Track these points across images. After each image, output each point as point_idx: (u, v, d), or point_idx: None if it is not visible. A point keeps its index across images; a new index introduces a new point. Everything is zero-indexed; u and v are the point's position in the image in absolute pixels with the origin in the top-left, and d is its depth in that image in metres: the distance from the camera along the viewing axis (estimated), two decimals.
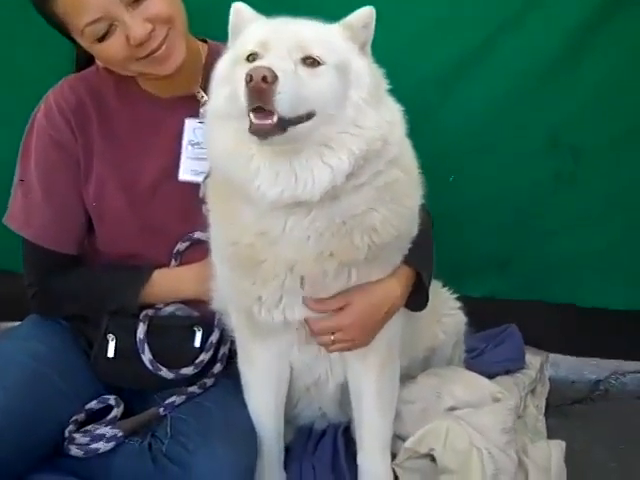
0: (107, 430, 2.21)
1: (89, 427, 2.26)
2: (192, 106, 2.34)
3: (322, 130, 1.87)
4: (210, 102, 2.03)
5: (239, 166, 1.92)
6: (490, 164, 2.90)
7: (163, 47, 2.18)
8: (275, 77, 1.73)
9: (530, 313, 3.03)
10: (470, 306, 2.69)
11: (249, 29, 1.99)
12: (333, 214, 1.95)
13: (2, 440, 2.06)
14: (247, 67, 1.79)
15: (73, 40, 2.25)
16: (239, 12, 2.04)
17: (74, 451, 2.20)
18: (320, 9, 2.52)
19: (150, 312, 2.34)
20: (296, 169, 1.88)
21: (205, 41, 2.44)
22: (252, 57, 1.88)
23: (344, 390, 2.32)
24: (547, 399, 2.86)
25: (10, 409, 2.11)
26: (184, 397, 2.29)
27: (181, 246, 2.35)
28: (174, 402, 2.28)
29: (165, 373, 2.30)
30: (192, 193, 2.33)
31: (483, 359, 2.83)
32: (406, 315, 2.26)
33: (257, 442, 2.24)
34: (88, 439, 2.20)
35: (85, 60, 2.39)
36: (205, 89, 2.31)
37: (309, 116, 1.83)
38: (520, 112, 2.84)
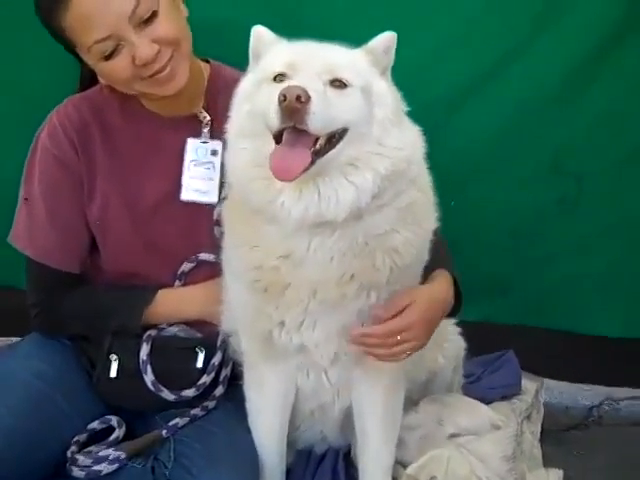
0: (110, 452, 2.20)
1: (91, 448, 2.26)
2: (194, 126, 2.36)
3: (347, 150, 1.89)
4: (231, 121, 2.05)
5: (261, 185, 1.93)
6: (492, 188, 2.93)
7: (167, 68, 2.19)
8: (308, 97, 1.76)
9: (526, 338, 3.05)
10: (466, 330, 2.70)
11: (273, 51, 2.03)
12: (356, 234, 1.97)
13: (3, 460, 2.06)
14: (275, 87, 1.84)
15: (78, 56, 2.26)
16: (260, 35, 2.07)
17: (76, 472, 2.19)
18: (331, 29, 2.60)
19: (153, 333, 2.34)
20: (319, 187, 1.90)
21: (207, 61, 2.45)
22: (279, 78, 1.91)
23: (347, 414, 2.33)
24: (542, 425, 2.87)
25: (12, 429, 2.11)
26: (187, 419, 2.29)
27: (186, 267, 2.36)
28: (177, 424, 2.27)
29: (166, 394, 2.31)
30: (195, 212, 2.35)
31: (480, 385, 2.84)
32: None
33: (260, 465, 2.25)
34: (91, 461, 2.19)
35: (89, 79, 2.40)
36: (207, 109, 2.36)
37: (341, 135, 1.87)
38: (524, 137, 2.87)
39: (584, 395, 3.09)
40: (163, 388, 2.30)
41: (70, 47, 2.23)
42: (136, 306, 2.32)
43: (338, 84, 1.89)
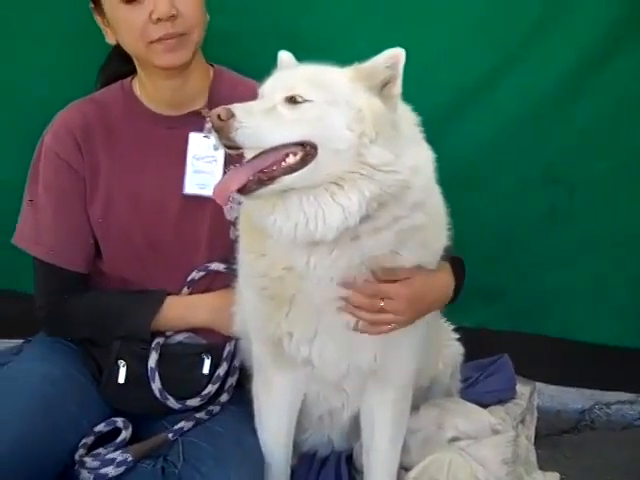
0: (117, 455, 2.23)
1: (99, 450, 2.28)
2: (196, 122, 2.40)
3: (331, 168, 1.89)
4: None
5: (258, 202, 1.97)
6: (486, 197, 2.99)
7: (174, 40, 2.24)
8: (231, 114, 1.81)
9: (519, 344, 3.11)
10: (462, 335, 2.74)
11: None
12: (353, 254, 1.98)
13: (13, 465, 2.08)
14: None
15: (95, 2, 2.31)
16: (280, 60, 2.12)
17: (84, 475, 2.22)
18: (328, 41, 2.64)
19: (161, 340, 2.37)
20: (304, 206, 1.91)
21: (211, 65, 2.50)
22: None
23: (354, 421, 2.37)
24: (535, 429, 2.91)
25: (23, 435, 2.13)
26: (192, 423, 2.32)
27: (196, 275, 2.39)
28: (182, 428, 2.30)
29: (172, 403, 2.34)
30: (196, 208, 2.38)
31: (475, 389, 2.87)
32: (422, 345, 2.30)
33: (266, 466, 2.29)
34: (98, 463, 2.22)
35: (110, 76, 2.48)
36: (211, 108, 2.37)
37: (310, 156, 1.87)
38: (516, 148, 2.92)
39: (575, 399, 3.14)
40: (169, 396, 2.34)
41: None
42: (145, 311, 2.35)
43: (293, 100, 1.90)
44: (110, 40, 2.35)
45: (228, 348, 2.40)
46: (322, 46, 2.73)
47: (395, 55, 1.96)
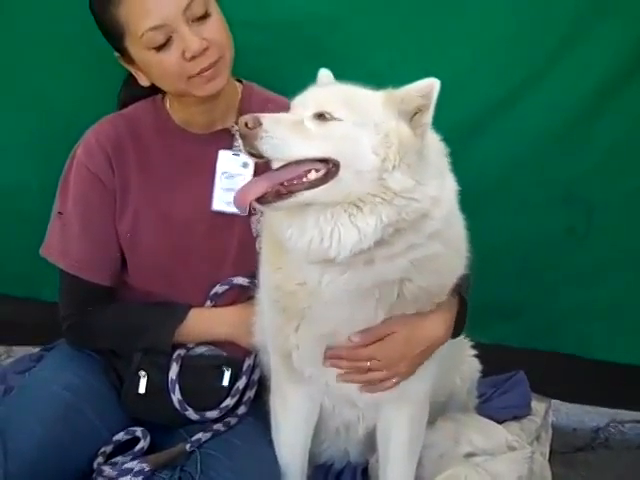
0: (135, 464, 2.24)
1: (117, 459, 2.30)
2: (226, 139, 2.42)
3: (352, 188, 1.90)
4: None
5: (277, 215, 2.00)
6: (504, 215, 2.98)
7: (211, 70, 2.26)
8: (259, 123, 1.83)
9: (535, 361, 3.11)
10: (478, 352, 2.75)
11: None
12: (365, 278, 1.97)
13: (35, 473, 2.12)
14: None
15: (123, 54, 2.33)
16: (319, 77, 2.14)
17: None
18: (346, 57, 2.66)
19: (182, 352, 2.39)
20: (321, 223, 1.92)
21: (240, 81, 2.52)
22: None
23: (371, 434, 2.38)
24: (550, 446, 2.92)
25: (45, 442, 2.17)
26: (210, 434, 2.34)
27: (220, 289, 2.41)
28: (200, 439, 2.32)
29: (191, 414, 2.37)
30: (224, 226, 2.40)
31: (491, 405, 2.87)
32: (440, 364, 2.29)
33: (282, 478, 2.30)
34: (116, 473, 2.23)
35: (128, 99, 2.48)
36: None
37: (331, 174, 1.88)
38: (536, 166, 2.93)
39: (590, 417, 3.14)
40: (188, 408, 2.36)
41: (119, 39, 2.29)
42: (168, 323, 2.37)
43: (322, 117, 1.91)
44: (144, 83, 2.37)
45: (248, 362, 2.42)
46: (347, 63, 2.75)
47: (430, 85, 1.96)
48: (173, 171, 2.43)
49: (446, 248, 2.02)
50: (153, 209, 2.41)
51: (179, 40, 2.21)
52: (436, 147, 2.04)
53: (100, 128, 2.43)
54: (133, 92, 2.46)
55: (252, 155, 1.88)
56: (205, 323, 2.41)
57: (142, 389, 2.38)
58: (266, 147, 1.85)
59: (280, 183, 1.89)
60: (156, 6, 2.20)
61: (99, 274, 2.43)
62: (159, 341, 2.37)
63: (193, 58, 2.22)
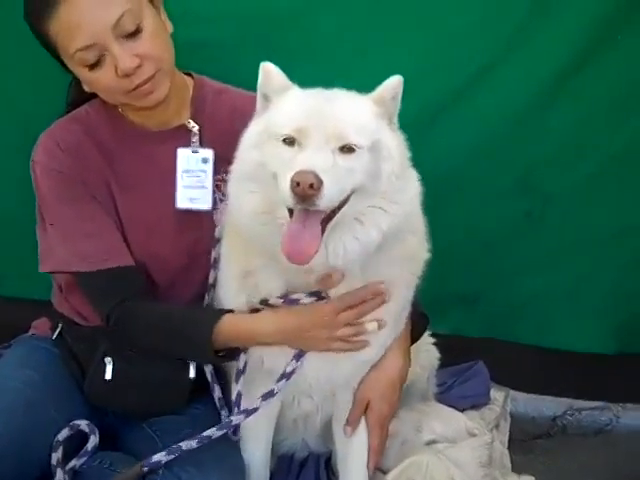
0: None
1: (72, 463, 2.26)
2: (183, 136, 2.39)
3: (354, 205, 1.91)
4: (237, 165, 2.06)
5: (269, 230, 1.97)
6: (460, 204, 3.01)
7: (148, 84, 2.22)
8: (321, 183, 1.77)
9: (493, 351, 3.14)
10: (436, 342, 2.78)
11: (282, 104, 2.00)
12: (355, 279, 2.05)
13: None
14: (285, 150, 1.89)
15: (66, 67, 2.28)
16: (268, 74, 2.04)
17: None
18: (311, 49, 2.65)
19: None
20: (326, 240, 1.91)
21: (190, 75, 2.49)
22: (289, 140, 1.90)
23: (328, 425, 2.40)
24: (509, 434, 2.94)
25: (6, 432, 2.14)
26: (172, 456, 2.17)
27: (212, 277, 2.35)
28: (160, 462, 2.17)
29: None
30: (190, 221, 2.38)
31: (451, 394, 2.91)
32: None
33: (246, 472, 2.30)
34: None
35: (77, 100, 2.43)
36: (195, 119, 2.40)
37: (349, 196, 1.89)
38: (492, 154, 2.96)
39: (548, 406, 3.17)
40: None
41: (54, 52, 2.25)
42: (204, 322, 2.21)
43: (347, 150, 1.88)
44: (88, 90, 2.32)
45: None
46: (306, 54, 2.77)
47: (398, 84, 2.00)
48: (135, 171, 2.37)
49: (414, 237, 2.12)
50: (117, 210, 2.36)
51: (111, 58, 2.17)
52: (403, 142, 2.07)
53: (54, 131, 2.36)
54: (82, 91, 2.37)
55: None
56: (247, 322, 2.21)
57: (109, 375, 2.30)
58: (326, 204, 1.81)
59: (323, 220, 1.87)
60: (84, 25, 2.13)
61: (116, 255, 2.31)
62: (198, 338, 2.19)
63: (127, 76, 2.18)
